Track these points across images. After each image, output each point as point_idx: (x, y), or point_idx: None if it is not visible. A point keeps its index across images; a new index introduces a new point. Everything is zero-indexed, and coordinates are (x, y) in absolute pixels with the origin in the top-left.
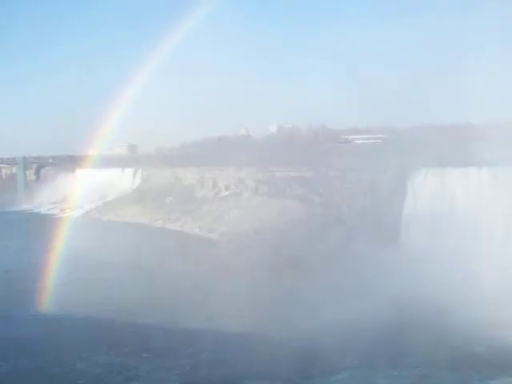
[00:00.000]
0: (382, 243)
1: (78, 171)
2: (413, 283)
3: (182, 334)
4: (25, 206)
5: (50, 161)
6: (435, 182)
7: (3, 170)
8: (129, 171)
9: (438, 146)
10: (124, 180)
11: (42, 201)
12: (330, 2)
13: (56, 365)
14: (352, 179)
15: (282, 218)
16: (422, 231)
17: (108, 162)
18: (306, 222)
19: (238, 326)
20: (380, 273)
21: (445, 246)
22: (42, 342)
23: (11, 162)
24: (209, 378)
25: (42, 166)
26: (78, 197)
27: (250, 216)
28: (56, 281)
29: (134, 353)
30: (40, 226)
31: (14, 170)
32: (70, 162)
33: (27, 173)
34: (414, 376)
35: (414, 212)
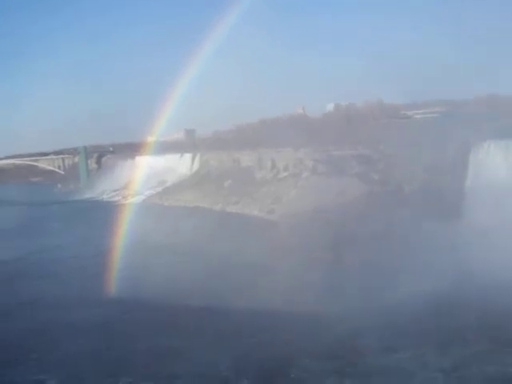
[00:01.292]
0: (445, 219)
1: (138, 158)
2: (479, 258)
3: (243, 316)
4: (88, 195)
5: (110, 149)
6: (499, 154)
7: (66, 161)
8: (187, 156)
9: (500, 118)
10: (183, 165)
11: (103, 189)
12: None
13: (116, 346)
14: (412, 155)
15: (341, 196)
16: (485, 206)
17: (166, 147)
18: (365, 200)
19: (296, 305)
20: (444, 249)
21: (510, 220)
22: (104, 324)
23: (73, 152)
24: (263, 359)
25: (102, 155)
26: (138, 183)
27: (309, 196)
28: (120, 266)
29: (194, 335)
30: (103, 213)
31: (76, 159)
32: (130, 149)
33: (89, 162)
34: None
35: (477, 186)
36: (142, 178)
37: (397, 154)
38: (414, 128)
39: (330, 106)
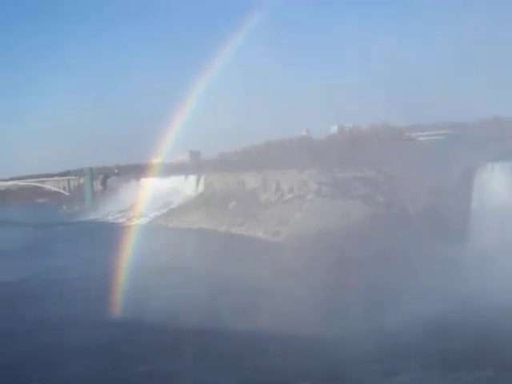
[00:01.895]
0: (450, 242)
1: (143, 180)
2: (484, 282)
3: (246, 338)
4: (93, 216)
5: (116, 171)
6: (503, 176)
7: (71, 182)
8: (192, 178)
9: (505, 140)
10: (187, 187)
11: (108, 210)
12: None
13: (120, 368)
14: (416, 177)
15: (346, 219)
16: (490, 228)
17: (171, 169)
18: (370, 223)
19: (299, 328)
20: (448, 271)
21: None
22: (108, 346)
23: (78, 173)
24: (264, 382)
25: (107, 177)
26: (143, 205)
27: (314, 218)
28: (125, 287)
29: (197, 357)
30: (108, 234)
31: (82, 181)
32: (135, 171)
33: (94, 183)
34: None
35: (481, 209)
36: (147, 199)
37: (401, 176)
38: (419, 150)
39: (334, 129)
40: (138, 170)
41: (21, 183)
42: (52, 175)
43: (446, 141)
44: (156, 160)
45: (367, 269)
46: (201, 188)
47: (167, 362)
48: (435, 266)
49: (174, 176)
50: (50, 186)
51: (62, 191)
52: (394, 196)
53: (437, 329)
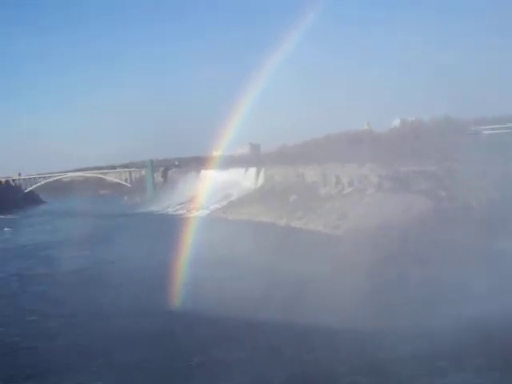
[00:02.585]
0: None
1: (203, 172)
2: None
3: (303, 331)
4: (153, 208)
5: (176, 163)
6: None
7: (133, 174)
8: (252, 170)
9: None
10: (247, 179)
11: (169, 202)
12: None
13: (174, 357)
14: (480, 171)
15: (407, 213)
16: None
17: (231, 162)
18: (432, 217)
19: (357, 322)
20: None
21: None
22: (165, 335)
23: (140, 165)
24: (316, 376)
25: (168, 169)
26: (203, 197)
27: (375, 212)
28: (184, 279)
29: (252, 348)
30: (168, 226)
31: (143, 173)
32: (195, 163)
33: (155, 175)
34: None
35: None
36: (207, 191)
37: (464, 170)
38: (483, 144)
39: (396, 122)
40: (198, 163)
41: (85, 174)
42: (114, 167)
43: (511, 134)
44: (216, 153)
45: (429, 263)
46: (261, 181)
47: (222, 353)
48: (498, 261)
49: (234, 168)
50: (112, 177)
51: (123, 183)
52: (457, 190)
53: (498, 327)
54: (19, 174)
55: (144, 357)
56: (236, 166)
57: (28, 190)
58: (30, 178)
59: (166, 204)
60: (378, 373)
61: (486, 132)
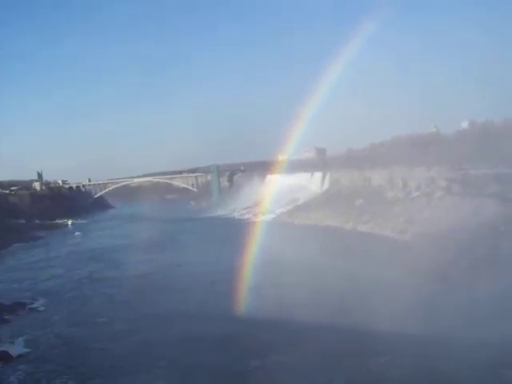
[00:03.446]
0: None
1: (268, 177)
2: None
3: (367, 336)
4: (219, 212)
5: (242, 168)
6: None
7: (199, 179)
8: (317, 175)
9: None
10: (313, 183)
11: (234, 206)
12: None
13: (236, 362)
14: None
15: (476, 217)
16: None
17: (297, 166)
18: (503, 222)
19: (430, 330)
20: None
21: None
22: (227, 339)
23: (206, 170)
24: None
25: (234, 173)
26: (268, 201)
27: (443, 216)
28: (250, 284)
29: (312, 353)
30: (234, 230)
31: (209, 177)
32: (260, 167)
33: (221, 180)
34: None
35: None
36: (273, 196)
37: None
38: None
39: (465, 124)
40: (263, 167)
41: (152, 180)
42: (181, 172)
43: None
44: (281, 157)
45: (500, 269)
46: (326, 185)
47: (281, 357)
48: None
49: (300, 173)
50: (178, 182)
51: (190, 187)
52: None
53: None
54: (89, 180)
55: (206, 359)
56: (301, 170)
57: (97, 195)
58: (99, 184)
59: (232, 208)
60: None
61: None
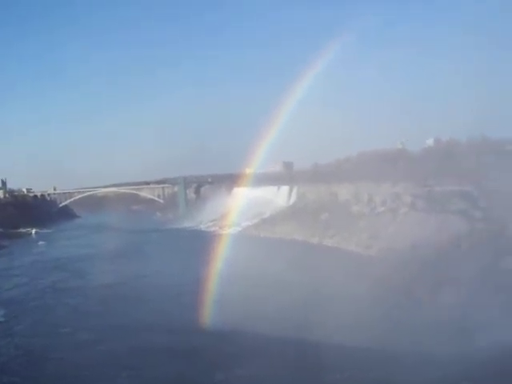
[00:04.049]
0: None
1: (235, 189)
2: None
3: (333, 350)
4: (186, 224)
5: (209, 180)
6: None
7: (166, 190)
8: (284, 188)
9: None
10: (280, 197)
11: (201, 218)
12: None
13: (198, 374)
14: None
15: (441, 233)
16: None
17: (264, 179)
18: (466, 238)
19: (395, 344)
20: None
21: None
22: (192, 351)
23: (173, 181)
24: None
25: (201, 185)
26: (235, 214)
27: (408, 232)
28: (215, 297)
29: (277, 366)
30: (200, 242)
31: (176, 189)
32: (228, 180)
33: (187, 192)
34: None
35: None
36: (239, 209)
37: (500, 190)
38: None
39: (430, 141)
40: (230, 180)
41: (119, 190)
42: (148, 183)
43: None
44: (249, 170)
45: (462, 286)
46: (293, 199)
47: (247, 370)
48: None
49: (267, 186)
50: (145, 193)
51: (156, 199)
52: (492, 211)
53: None
54: (54, 189)
55: (171, 371)
56: (268, 183)
57: (63, 204)
58: (64, 193)
59: (199, 220)
60: None
61: None
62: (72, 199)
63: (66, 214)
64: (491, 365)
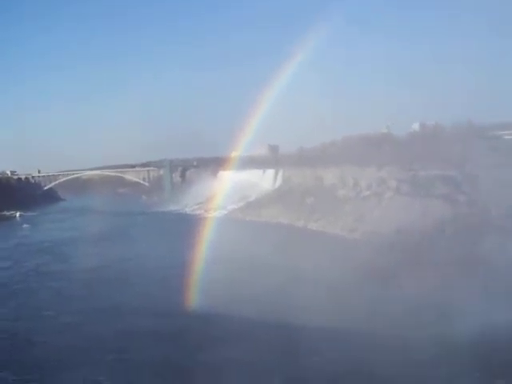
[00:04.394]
0: None
1: (221, 173)
2: None
3: (315, 333)
4: (171, 207)
5: (195, 163)
6: None
7: (151, 173)
8: (270, 172)
9: None
10: (265, 181)
11: (186, 202)
12: None
13: (181, 357)
14: (500, 177)
15: (425, 218)
16: None
17: (249, 163)
18: (450, 223)
19: (375, 328)
20: None
21: None
22: (176, 334)
23: (158, 164)
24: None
25: (186, 169)
26: (220, 197)
27: (392, 216)
28: (200, 280)
29: (260, 350)
30: (185, 226)
31: (161, 172)
32: (213, 163)
33: (173, 175)
34: None
35: None
36: (225, 192)
37: (484, 175)
38: (504, 149)
39: (416, 126)
40: (216, 163)
41: (104, 173)
42: (133, 166)
43: None
44: (234, 153)
45: (446, 270)
46: (279, 182)
47: (228, 352)
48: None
49: (252, 170)
50: (131, 176)
51: (142, 182)
52: (476, 196)
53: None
54: (39, 171)
55: (155, 354)
56: (254, 167)
57: (47, 187)
58: (49, 176)
59: (184, 203)
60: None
61: (506, 137)
62: (57, 182)
63: (51, 196)
64: (469, 348)
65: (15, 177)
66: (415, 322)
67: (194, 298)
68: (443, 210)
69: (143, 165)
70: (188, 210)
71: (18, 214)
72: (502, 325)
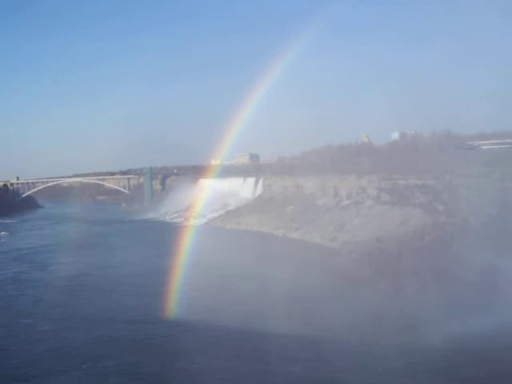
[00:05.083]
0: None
1: (201, 181)
2: None
3: (293, 342)
4: (151, 215)
5: (175, 171)
6: None
7: (131, 181)
8: (250, 180)
9: None
10: (245, 189)
11: (166, 209)
12: None
13: (158, 363)
14: (478, 187)
15: (404, 226)
16: None
17: (230, 171)
18: (429, 231)
19: (360, 336)
20: (507, 285)
21: None
22: (153, 341)
23: (139, 172)
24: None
25: (167, 176)
26: (200, 206)
27: (372, 225)
28: (180, 287)
29: (234, 357)
30: (165, 233)
31: (141, 180)
32: (193, 172)
33: (153, 183)
34: None
35: None
36: (205, 200)
37: (463, 184)
38: (482, 159)
39: (395, 135)
40: (196, 171)
41: (83, 180)
42: (113, 173)
43: (510, 150)
44: (215, 162)
45: (424, 278)
46: (259, 191)
47: (204, 360)
48: (494, 277)
49: (233, 178)
50: (110, 184)
51: (122, 189)
52: (455, 205)
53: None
54: (17, 178)
55: (130, 361)
56: (234, 175)
57: (26, 194)
58: (28, 183)
59: (164, 211)
60: None
61: (484, 147)
62: (35, 189)
63: (29, 204)
64: (438, 357)
65: None
66: (380, 330)
67: (172, 305)
68: (422, 218)
69: (123, 172)
70: (168, 218)
71: None
72: (469, 334)
